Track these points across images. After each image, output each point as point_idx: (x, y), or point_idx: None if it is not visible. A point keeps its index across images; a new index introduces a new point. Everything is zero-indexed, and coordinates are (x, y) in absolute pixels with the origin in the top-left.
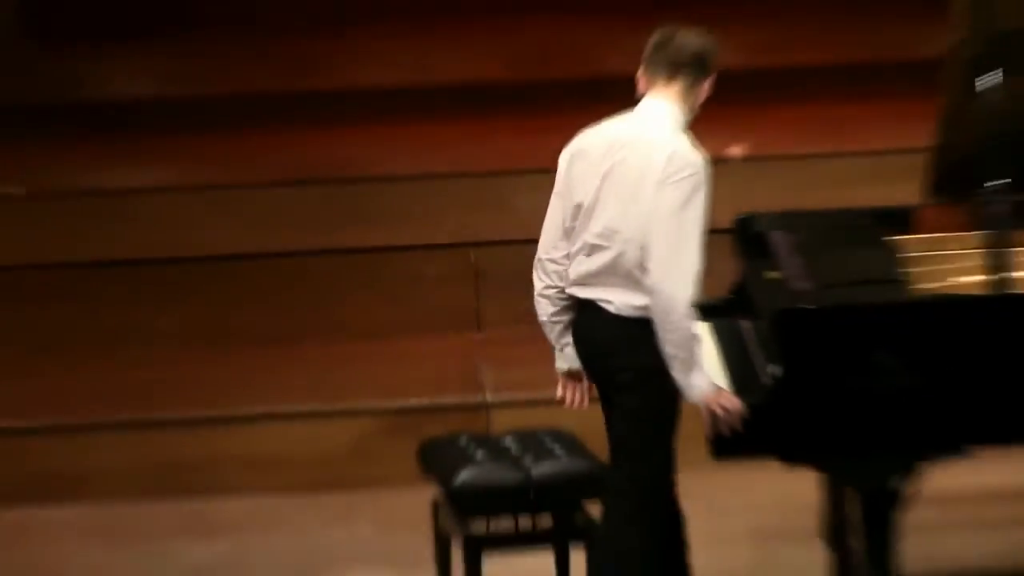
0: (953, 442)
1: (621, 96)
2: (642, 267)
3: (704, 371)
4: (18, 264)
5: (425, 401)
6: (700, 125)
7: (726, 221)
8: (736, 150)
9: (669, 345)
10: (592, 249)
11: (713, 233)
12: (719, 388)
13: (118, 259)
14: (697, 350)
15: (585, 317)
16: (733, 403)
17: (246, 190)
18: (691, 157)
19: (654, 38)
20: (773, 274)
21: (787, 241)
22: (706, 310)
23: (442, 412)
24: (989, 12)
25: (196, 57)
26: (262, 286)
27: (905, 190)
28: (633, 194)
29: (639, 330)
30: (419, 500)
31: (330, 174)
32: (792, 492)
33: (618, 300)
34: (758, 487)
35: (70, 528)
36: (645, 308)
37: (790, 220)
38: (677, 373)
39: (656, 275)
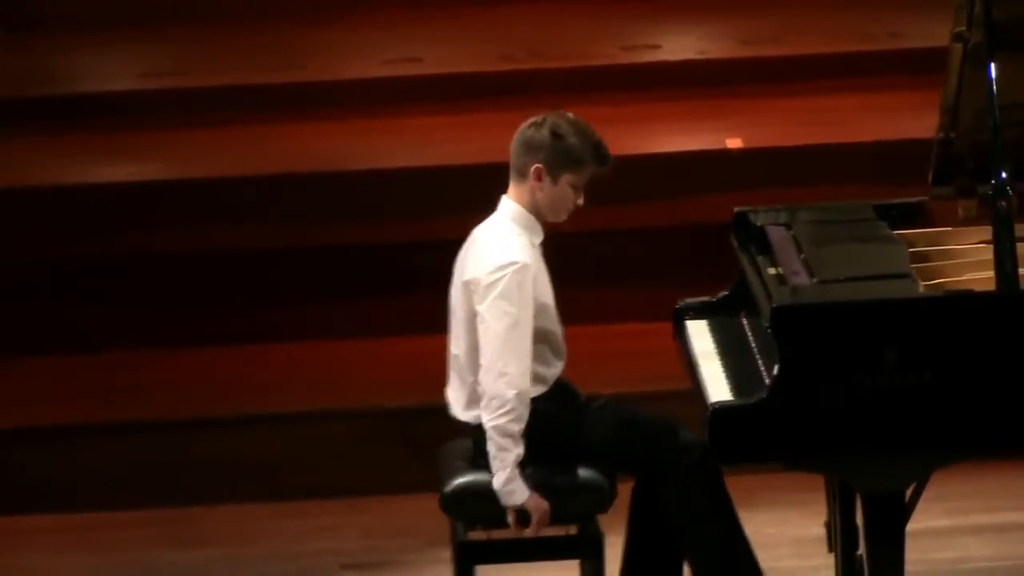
0: (966, 445)
1: (616, 87)
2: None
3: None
4: None
5: (415, 402)
6: (697, 117)
7: (724, 215)
8: (733, 142)
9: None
10: None
11: (711, 227)
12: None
13: (90, 257)
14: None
15: None
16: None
17: (230, 185)
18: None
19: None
20: (772, 270)
21: (787, 236)
22: (705, 308)
23: (433, 415)
24: (987, 1)
25: (177, 48)
26: (244, 284)
27: (905, 182)
28: None
29: None
30: (407, 507)
31: (318, 168)
32: (797, 499)
33: None
34: (760, 494)
35: (53, 536)
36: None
37: (789, 214)
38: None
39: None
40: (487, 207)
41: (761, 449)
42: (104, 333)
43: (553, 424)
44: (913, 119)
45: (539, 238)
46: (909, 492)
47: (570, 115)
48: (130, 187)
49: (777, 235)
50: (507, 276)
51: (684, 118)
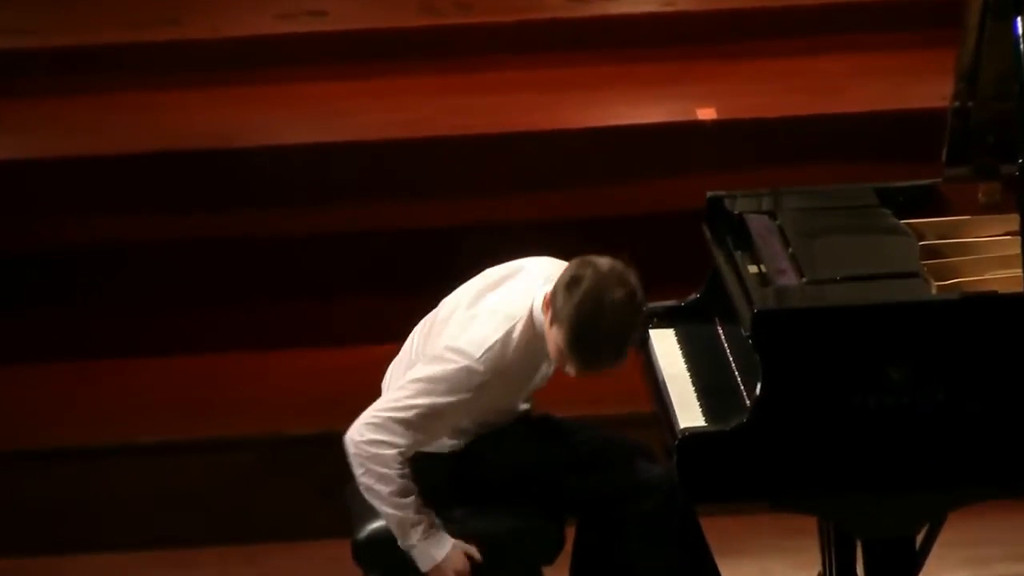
0: (989, 481)
1: (562, 45)
2: None
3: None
4: None
5: (321, 429)
6: (661, 82)
7: (695, 201)
8: (705, 113)
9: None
10: None
11: (678, 216)
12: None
13: None
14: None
15: None
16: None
17: (91, 166)
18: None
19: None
20: (753, 268)
21: (771, 226)
22: (672, 314)
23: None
24: None
25: (27, 1)
26: (107, 284)
27: (913, 161)
28: None
29: None
30: (312, 556)
31: (199, 145)
32: (785, 546)
33: None
34: (741, 539)
35: None
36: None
37: (774, 200)
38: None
39: None
40: (405, 192)
41: (741, 485)
42: None
43: (482, 452)
44: (922, 85)
45: (545, 357)
46: (920, 537)
47: (628, 284)
48: None
49: (759, 225)
50: (456, 367)
51: (645, 84)
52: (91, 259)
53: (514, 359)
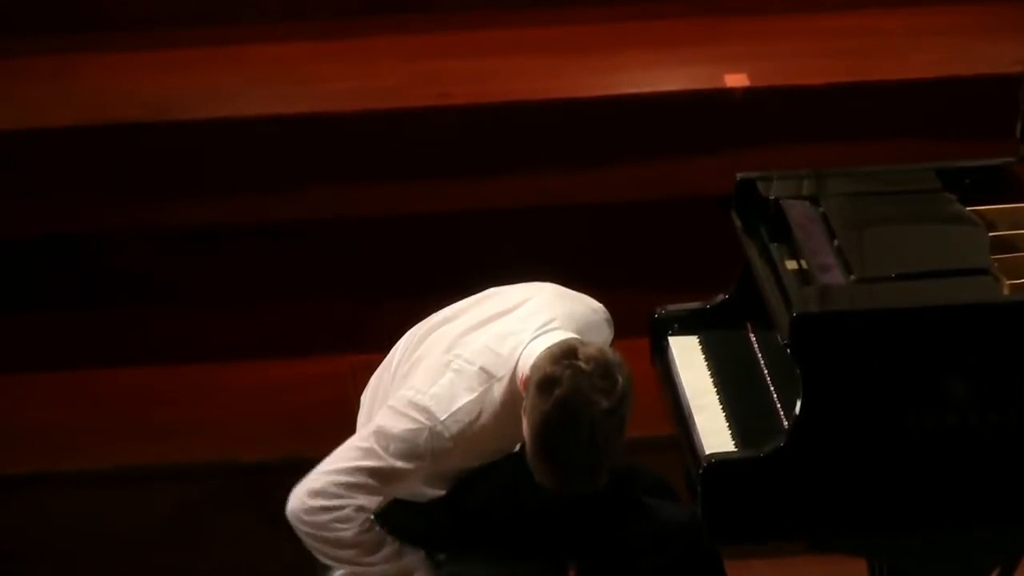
0: None
1: (563, 1)
2: None
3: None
4: None
5: (282, 455)
6: (684, 43)
7: (723, 184)
8: (735, 79)
9: None
10: None
11: (703, 201)
12: None
13: None
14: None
15: None
16: None
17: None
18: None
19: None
20: (792, 263)
21: (813, 214)
22: (696, 318)
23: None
24: None
25: None
26: (30, 282)
27: (981, 136)
28: None
29: None
30: None
31: (131, 117)
32: None
33: None
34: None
35: None
36: None
37: (816, 183)
38: None
39: None
40: (381, 173)
41: (776, 522)
42: None
43: (470, 487)
44: (992, 46)
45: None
46: None
47: (613, 392)
48: None
49: (799, 213)
50: (416, 427)
51: (664, 44)
52: (10, 253)
53: (487, 424)
